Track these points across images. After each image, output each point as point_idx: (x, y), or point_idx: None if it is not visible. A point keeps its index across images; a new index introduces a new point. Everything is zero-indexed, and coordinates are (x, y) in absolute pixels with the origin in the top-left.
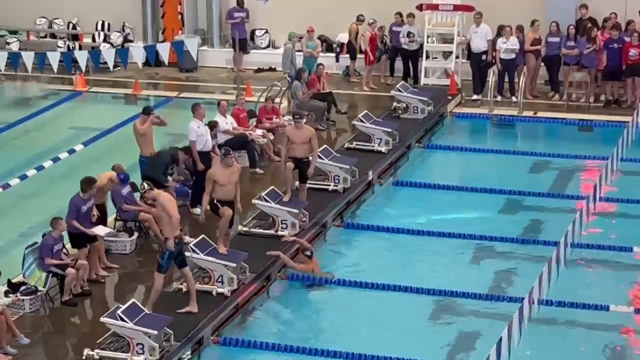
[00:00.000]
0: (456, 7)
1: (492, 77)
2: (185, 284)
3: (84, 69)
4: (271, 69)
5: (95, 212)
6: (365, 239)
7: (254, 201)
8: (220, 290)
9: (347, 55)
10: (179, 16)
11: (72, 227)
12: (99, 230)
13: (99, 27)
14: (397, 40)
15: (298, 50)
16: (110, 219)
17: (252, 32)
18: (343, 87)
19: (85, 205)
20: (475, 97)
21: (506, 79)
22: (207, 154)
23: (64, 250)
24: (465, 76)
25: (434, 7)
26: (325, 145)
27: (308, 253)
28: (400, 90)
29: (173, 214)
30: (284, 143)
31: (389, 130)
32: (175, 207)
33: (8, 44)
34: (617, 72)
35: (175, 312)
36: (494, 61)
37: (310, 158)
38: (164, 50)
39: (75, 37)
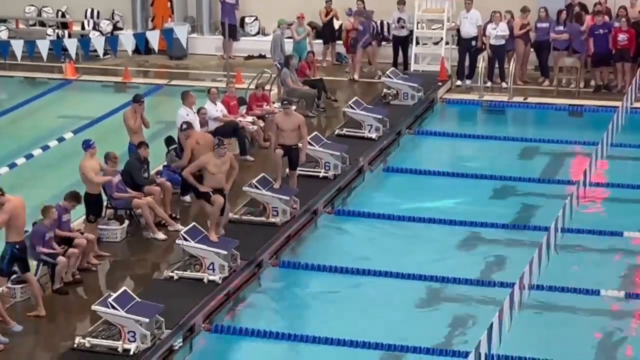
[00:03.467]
0: None
1: (482, 63)
2: (31, 290)
3: (73, 57)
4: (261, 56)
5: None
6: (356, 225)
7: (244, 188)
8: (211, 277)
9: (320, 41)
10: (169, 3)
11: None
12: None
13: (89, 15)
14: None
15: (288, 37)
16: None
17: (242, 19)
18: (333, 74)
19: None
20: (459, 82)
21: (496, 65)
22: None
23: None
24: (456, 62)
25: None
26: (315, 132)
27: None
28: (390, 77)
29: (14, 221)
30: (273, 130)
31: (380, 116)
32: (21, 214)
33: None
34: (605, 57)
35: (166, 301)
36: (483, 47)
37: (300, 145)
38: (154, 38)
39: (65, 25)
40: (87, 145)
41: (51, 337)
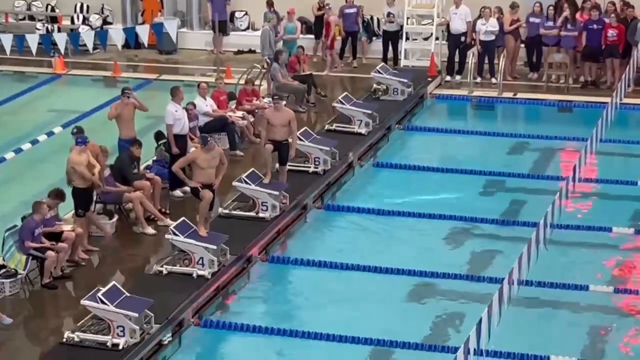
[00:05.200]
0: None
1: (471, 59)
2: None
3: (63, 51)
4: (251, 51)
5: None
6: (346, 220)
7: (234, 183)
8: (200, 272)
9: (312, 36)
10: None
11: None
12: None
13: (78, 9)
14: (349, 23)
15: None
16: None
17: (232, 14)
18: (323, 69)
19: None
20: (448, 78)
21: (486, 61)
22: (184, 137)
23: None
24: (446, 58)
25: None
26: (305, 127)
27: None
28: (380, 72)
29: None
30: (263, 125)
31: (369, 112)
32: None
33: None
34: (596, 53)
35: (155, 296)
36: (473, 43)
37: (290, 140)
38: (144, 33)
39: (54, 20)
40: (81, 140)
41: (40, 331)
